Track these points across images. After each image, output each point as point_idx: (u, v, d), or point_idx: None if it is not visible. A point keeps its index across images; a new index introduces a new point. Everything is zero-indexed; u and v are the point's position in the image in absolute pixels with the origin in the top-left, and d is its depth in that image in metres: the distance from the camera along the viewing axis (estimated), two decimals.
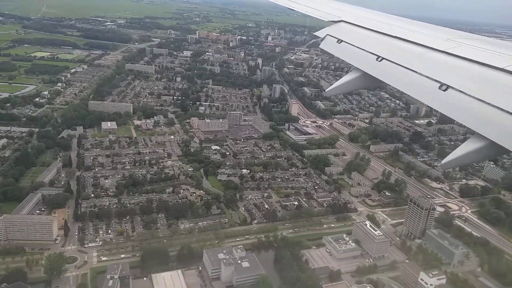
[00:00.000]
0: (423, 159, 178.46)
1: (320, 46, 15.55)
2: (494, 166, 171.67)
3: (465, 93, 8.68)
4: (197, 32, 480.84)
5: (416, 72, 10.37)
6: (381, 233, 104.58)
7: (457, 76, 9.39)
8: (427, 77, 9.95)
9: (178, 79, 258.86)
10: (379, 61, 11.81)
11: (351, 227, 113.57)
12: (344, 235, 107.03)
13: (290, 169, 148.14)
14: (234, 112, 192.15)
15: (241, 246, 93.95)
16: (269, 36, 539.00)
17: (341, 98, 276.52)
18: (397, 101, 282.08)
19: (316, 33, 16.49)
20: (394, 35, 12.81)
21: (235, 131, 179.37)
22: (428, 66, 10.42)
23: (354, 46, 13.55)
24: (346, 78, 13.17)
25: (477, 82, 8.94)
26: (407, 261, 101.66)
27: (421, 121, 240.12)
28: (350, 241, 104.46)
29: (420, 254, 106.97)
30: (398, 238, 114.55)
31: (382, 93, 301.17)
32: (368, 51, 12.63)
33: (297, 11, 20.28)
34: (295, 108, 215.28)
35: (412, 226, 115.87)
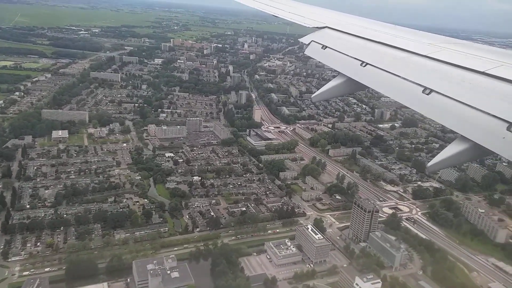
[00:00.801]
0: (381, 162, 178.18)
1: (305, 52, 15.48)
2: (449, 167, 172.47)
3: (448, 97, 8.72)
4: (171, 40, 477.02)
5: (399, 76, 10.36)
6: (322, 237, 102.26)
7: (440, 80, 9.47)
8: (410, 81, 9.93)
9: (144, 86, 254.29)
10: (363, 66, 11.75)
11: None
12: (286, 240, 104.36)
13: (244, 175, 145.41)
14: (193, 119, 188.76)
15: (173, 256, 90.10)
16: (245, 43, 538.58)
17: (308, 104, 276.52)
18: (364, 106, 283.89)
19: (301, 40, 16.31)
20: (378, 40, 12.83)
21: (194, 138, 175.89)
22: (411, 70, 10.46)
23: (339, 52, 13.56)
24: (331, 83, 13.09)
25: (459, 85, 8.94)
26: (344, 265, 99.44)
27: (385, 125, 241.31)
28: (292, 246, 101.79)
29: (363, 258, 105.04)
30: (344, 242, 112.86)
31: (350, 99, 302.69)
32: (352, 57, 12.60)
33: (281, 18, 20.10)
34: (258, 114, 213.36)
35: (357, 229, 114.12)
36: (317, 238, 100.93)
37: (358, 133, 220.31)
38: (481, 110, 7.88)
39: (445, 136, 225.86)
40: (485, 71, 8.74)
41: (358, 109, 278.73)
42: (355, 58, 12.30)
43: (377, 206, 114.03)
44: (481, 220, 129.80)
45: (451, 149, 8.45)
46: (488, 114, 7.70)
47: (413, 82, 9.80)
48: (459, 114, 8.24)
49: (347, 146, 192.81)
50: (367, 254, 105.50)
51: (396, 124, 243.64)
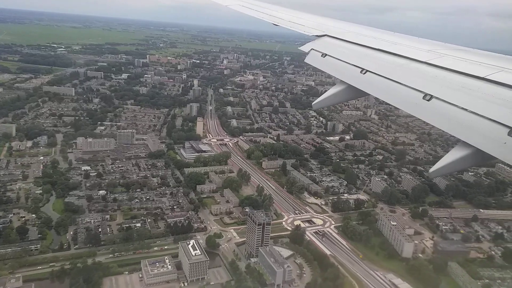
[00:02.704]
0: (313, 174, 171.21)
1: (305, 61, 15.04)
2: (379, 179, 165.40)
3: (449, 102, 8.54)
4: (148, 56, 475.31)
5: (399, 83, 10.15)
6: (200, 253, 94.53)
7: (440, 86, 9.24)
8: (410, 87, 9.73)
9: (96, 100, 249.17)
10: (363, 73, 11.50)
11: None
12: (166, 258, 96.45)
13: (158, 189, 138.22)
14: (125, 131, 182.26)
15: (19, 275, 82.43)
16: (225, 59, 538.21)
17: (264, 117, 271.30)
18: (321, 119, 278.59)
19: (301, 48, 16.04)
20: (377, 47, 12.58)
21: (122, 150, 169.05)
22: (411, 77, 10.20)
23: (338, 59, 13.20)
24: (331, 91, 12.63)
25: (459, 91, 8.72)
26: (212, 283, 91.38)
27: (336, 137, 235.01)
28: (169, 264, 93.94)
29: (248, 274, 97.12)
30: (236, 258, 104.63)
31: (311, 112, 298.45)
32: (352, 64, 12.31)
33: (281, 27, 19.58)
34: (200, 126, 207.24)
35: (251, 243, 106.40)
36: (194, 255, 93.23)
37: (303, 145, 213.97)
38: (481, 116, 7.72)
39: (394, 148, 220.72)
40: (485, 77, 8.57)
41: (315, 121, 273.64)
42: (355, 66, 12.11)
43: (268, 219, 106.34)
44: (391, 233, 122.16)
45: (453, 155, 8.19)
46: (489, 119, 7.57)
47: (413, 89, 9.60)
48: (459, 120, 8.07)
49: (285, 158, 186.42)
50: (252, 271, 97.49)
51: (347, 137, 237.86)
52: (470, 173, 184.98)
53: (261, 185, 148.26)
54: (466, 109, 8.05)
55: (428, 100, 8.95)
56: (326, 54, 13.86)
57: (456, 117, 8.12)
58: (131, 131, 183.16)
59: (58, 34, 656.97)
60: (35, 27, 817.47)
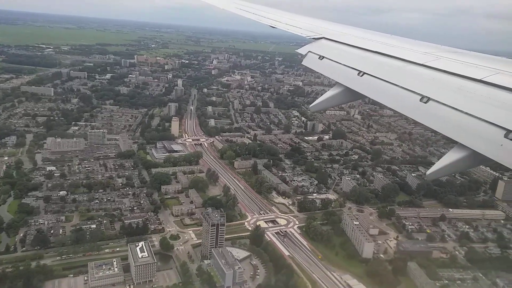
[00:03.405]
0: (285, 174, 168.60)
1: (302, 63, 14.65)
2: (349, 179, 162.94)
3: (446, 105, 8.51)
4: (135, 56, 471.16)
5: (397, 85, 10.10)
6: (147, 255, 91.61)
7: (437, 88, 9.23)
8: (408, 90, 9.65)
9: (75, 100, 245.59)
10: (361, 76, 11.49)
11: None
12: (114, 260, 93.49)
13: (122, 189, 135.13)
14: (96, 131, 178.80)
15: None
16: (215, 60, 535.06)
17: (245, 117, 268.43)
18: (303, 119, 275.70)
19: (298, 50, 15.56)
20: (375, 50, 12.52)
21: (92, 150, 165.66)
22: (408, 79, 10.14)
23: (336, 62, 13.17)
24: (329, 93, 12.48)
25: (456, 93, 8.72)
26: (154, 286, 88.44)
27: (314, 137, 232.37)
28: (115, 266, 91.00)
29: (199, 277, 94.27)
30: (189, 260, 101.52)
31: (294, 112, 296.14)
32: (349, 67, 12.22)
33: (279, 29, 19.40)
34: (175, 125, 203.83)
35: (206, 245, 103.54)
36: (141, 257, 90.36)
37: (280, 145, 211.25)
38: (478, 118, 7.73)
39: (373, 147, 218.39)
40: (482, 79, 8.55)
41: (296, 122, 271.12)
42: (352, 68, 12.03)
43: (222, 219, 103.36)
44: (354, 233, 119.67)
45: (450, 157, 8.17)
46: (486, 121, 7.56)
47: (411, 91, 9.53)
48: (456, 122, 8.05)
49: (259, 157, 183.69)
50: (203, 273, 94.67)
51: (326, 136, 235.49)
52: None
53: (229, 185, 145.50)
54: (463, 111, 8.06)
55: (425, 103, 8.91)
56: (323, 57, 13.83)
57: (453, 119, 8.11)
58: (102, 131, 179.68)
59: (49, 35, 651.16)
60: (27, 28, 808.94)
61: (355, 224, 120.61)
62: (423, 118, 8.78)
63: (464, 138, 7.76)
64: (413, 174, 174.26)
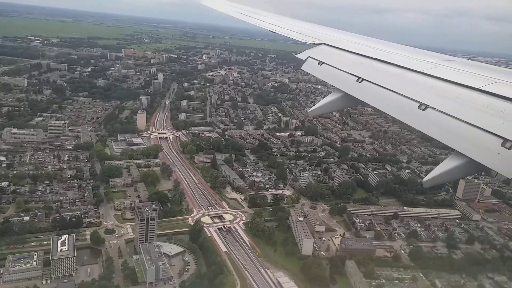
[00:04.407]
0: (245, 169, 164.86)
1: (302, 68, 14.69)
2: (307, 175, 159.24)
3: (444, 112, 8.52)
4: (123, 50, 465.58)
5: (395, 92, 10.13)
6: (66, 249, 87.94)
7: (435, 96, 9.22)
8: (406, 97, 9.68)
9: (48, 91, 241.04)
10: (360, 82, 11.48)
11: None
12: (36, 253, 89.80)
13: (69, 181, 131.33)
14: (56, 122, 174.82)
15: None
16: (204, 55, 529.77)
17: (220, 112, 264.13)
18: (280, 115, 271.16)
19: (298, 55, 15.49)
20: (374, 57, 12.50)
21: (50, 142, 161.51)
22: (407, 86, 10.15)
23: (335, 67, 13.17)
24: (327, 98, 12.50)
25: (454, 101, 8.71)
26: (66, 281, 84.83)
27: (286, 133, 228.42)
28: (35, 260, 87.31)
29: (123, 272, 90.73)
30: (118, 255, 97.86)
31: (273, 108, 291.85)
32: (348, 73, 12.20)
33: (279, 34, 19.29)
34: (141, 118, 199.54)
35: (137, 239, 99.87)
36: (60, 250, 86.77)
37: (250, 140, 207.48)
38: (476, 126, 7.70)
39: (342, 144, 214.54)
40: (480, 88, 8.57)
41: (272, 118, 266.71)
42: (351, 74, 11.95)
43: (154, 214, 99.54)
44: (297, 230, 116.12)
45: (447, 164, 8.11)
46: (483, 130, 7.55)
47: (409, 98, 9.51)
48: (454, 130, 8.05)
49: (224, 152, 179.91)
50: (127, 268, 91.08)
51: (298, 133, 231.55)
52: (406, 170, 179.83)
53: (183, 179, 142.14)
54: (460, 119, 8.00)
55: (423, 110, 8.88)
56: (323, 62, 13.78)
57: (451, 127, 8.09)
58: (62, 122, 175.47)
59: (41, 27, 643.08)
60: (21, 20, 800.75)
61: (299, 221, 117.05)
62: (420, 125, 8.70)
63: (461, 146, 7.73)
64: (374, 172, 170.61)
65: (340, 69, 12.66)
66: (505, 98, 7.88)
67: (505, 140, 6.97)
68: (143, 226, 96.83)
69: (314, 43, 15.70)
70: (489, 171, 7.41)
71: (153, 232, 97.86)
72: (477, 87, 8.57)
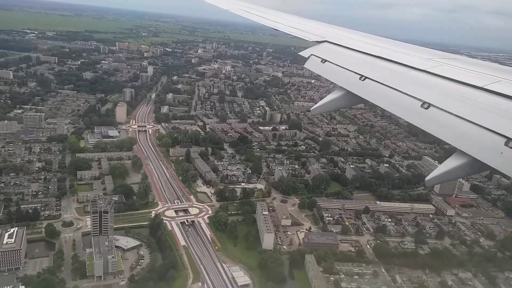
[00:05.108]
0: (221, 162, 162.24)
1: (305, 66, 14.46)
2: (281, 169, 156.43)
3: (447, 111, 8.42)
4: (117, 43, 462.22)
5: (398, 90, 9.98)
6: (13, 241, 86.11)
7: (438, 95, 9.11)
8: (409, 95, 9.54)
9: (32, 84, 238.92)
10: (362, 80, 11.36)
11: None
12: None
13: (36, 173, 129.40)
14: (32, 114, 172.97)
15: None
16: (200, 49, 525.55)
17: (207, 105, 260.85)
18: (267, 109, 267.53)
19: (301, 53, 15.40)
20: (377, 55, 12.39)
21: (24, 133, 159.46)
22: (410, 85, 10.00)
23: (338, 65, 13.01)
24: (330, 97, 12.33)
25: (457, 100, 8.61)
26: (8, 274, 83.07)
27: (270, 127, 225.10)
28: None
29: (72, 265, 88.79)
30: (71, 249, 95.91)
31: (262, 102, 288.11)
32: (351, 71, 12.09)
33: (282, 32, 18.80)
34: (120, 111, 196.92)
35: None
36: (6, 243, 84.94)
37: (231, 134, 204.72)
38: (479, 125, 7.65)
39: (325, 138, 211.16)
40: (483, 87, 8.51)
41: (259, 112, 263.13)
42: (354, 72, 11.93)
43: (109, 207, 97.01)
44: (261, 223, 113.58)
45: (449, 164, 8.04)
46: (486, 129, 7.48)
47: (412, 96, 9.42)
48: (457, 129, 7.98)
49: (201, 146, 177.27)
50: (76, 262, 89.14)
51: (282, 127, 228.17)
52: (385, 165, 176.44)
53: (154, 172, 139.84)
54: (463, 118, 7.94)
55: (426, 108, 8.84)
56: (325, 60, 13.71)
57: (454, 126, 8.04)
58: (39, 114, 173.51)
59: (39, 21, 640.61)
60: (21, 14, 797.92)
61: (263, 215, 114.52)
62: (423, 124, 8.62)
63: (464, 145, 7.68)
64: (351, 166, 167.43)
65: (343, 67, 12.56)
66: (508, 97, 7.77)
67: (509, 140, 6.88)
68: (96, 219, 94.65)
69: (317, 41, 15.61)
70: (492, 170, 7.18)
71: (107, 225, 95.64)
72: (480, 85, 8.43)
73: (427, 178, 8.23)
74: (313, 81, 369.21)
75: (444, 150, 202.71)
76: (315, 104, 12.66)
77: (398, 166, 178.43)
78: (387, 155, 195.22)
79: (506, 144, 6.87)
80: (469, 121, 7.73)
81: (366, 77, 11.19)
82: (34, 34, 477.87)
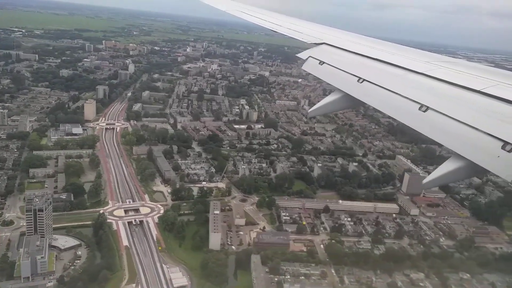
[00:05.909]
0: (185, 161, 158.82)
1: (302, 68, 14.55)
2: (245, 167, 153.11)
3: (444, 114, 8.36)
4: (103, 42, 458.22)
5: (396, 93, 9.91)
6: None
7: (436, 98, 9.09)
8: (407, 98, 9.48)
9: (6, 81, 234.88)
10: (360, 82, 11.31)
11: None
12: None
13: None
14: None
15: None
16: (189, 47, 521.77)
17: (184, 103, 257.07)
18: (247, 107, 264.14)
19: (299, 55, 15.36)
20: (375, 57, 12.32)
21: None
22: (408, 88, 9.98)
23: (336, 67, 12.96)
24: (328, 99, 12.20)
25: (455, 103, 8.67)
26: None
27: (245, 126, 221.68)
28: None
29: (0, 265, 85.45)
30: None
31: (242, 101, 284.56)
32: (349, 73, 12.05)
33: (280, 33, 18.84)
34: (88, 108, 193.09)
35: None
36: None
37: (202, 132, 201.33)
38: (476, 129, 7.61)
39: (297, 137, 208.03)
40: (481, 90, 8.49)
41: (237, 110, 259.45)
42: (352, 74, 11.86)
43: (45, 205, 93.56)
44: (212, 223, 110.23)
45: (446, 167, 7.98)
46: (484, 132, 7.42)
47: (410, 99, 9.36)
48: (454, 132, 7.94)
49: (168, 144, 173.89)
50: (5, 262, 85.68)
51: (258, 126, 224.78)
52: (354, 164, 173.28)
53: (111, 171, 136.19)
54: (461, 121, 7.91)
55: (424, 112, 8.78)
56: (323, 62, 13.62)
57: (451, 129, 8.00)
58: (1, 111, 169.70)
59: (30, 19, 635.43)
60: (13, 12, 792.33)
61: (214, 214, 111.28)
62: (421, 127, 8.58)
63: (461, 148, 7.62)
64: (318, 165, 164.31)
65: (341, 69, 12.48)
66: (505, 100, 7.78)
67: (505, 143, 6.87)
68: (30, 217, 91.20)
69: (315, 43, 15.52)
70: (489, 174, 7.14)
71: (43, 224, 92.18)
72: (478, 89, 8.43)
73: (424, 181, 8.20)
74: (299, 80, 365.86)
75: (420, 150, 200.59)
76: (313, 107, 12.48)
77: (369, 165, 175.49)
78: (360, 154, 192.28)
79: (502, 147, 6.82)
80: (466, 124, 7.66)
81: (364, 80, 11.10)
82: (21, 32, 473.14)
